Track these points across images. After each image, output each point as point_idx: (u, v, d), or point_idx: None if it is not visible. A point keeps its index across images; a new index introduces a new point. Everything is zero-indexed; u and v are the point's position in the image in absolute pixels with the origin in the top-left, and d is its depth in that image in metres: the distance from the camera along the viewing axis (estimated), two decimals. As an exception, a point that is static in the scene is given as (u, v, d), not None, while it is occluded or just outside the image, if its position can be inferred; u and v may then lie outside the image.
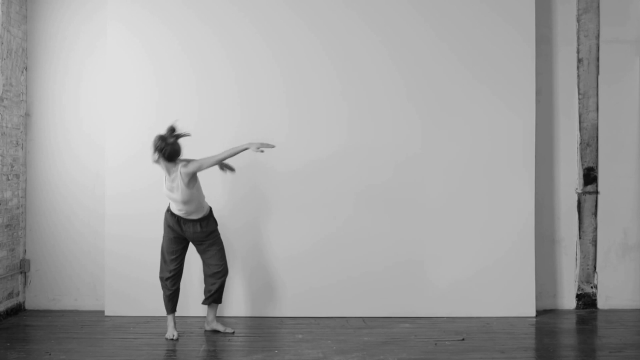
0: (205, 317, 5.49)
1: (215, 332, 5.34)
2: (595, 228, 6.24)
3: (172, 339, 5.12)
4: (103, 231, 6.00)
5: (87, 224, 6.09)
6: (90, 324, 5.59)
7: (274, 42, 5.98)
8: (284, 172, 5.91)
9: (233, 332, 5.34)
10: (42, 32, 6.13)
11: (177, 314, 5.76)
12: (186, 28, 5.96)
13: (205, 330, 5.37)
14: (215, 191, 5.75)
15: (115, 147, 5.93)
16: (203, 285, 5.43)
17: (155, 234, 5.88)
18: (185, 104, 5.96)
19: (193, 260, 5.78)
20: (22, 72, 6.05)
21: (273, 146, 5.07)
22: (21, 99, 6.03)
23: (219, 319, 5.49)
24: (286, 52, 5.98)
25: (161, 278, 5.25)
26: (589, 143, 6.24)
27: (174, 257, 5.23)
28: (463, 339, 5.14)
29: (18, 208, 5.97)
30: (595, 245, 6.24)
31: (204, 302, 5.37)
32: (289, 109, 5.97)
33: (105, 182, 5.96)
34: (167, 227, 5.22)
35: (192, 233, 5.19)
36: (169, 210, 5.22)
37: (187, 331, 5.35)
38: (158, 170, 5.90)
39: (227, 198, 5.88)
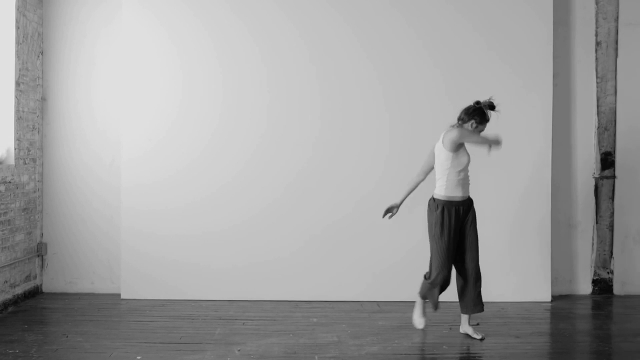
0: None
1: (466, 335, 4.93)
2: (612, 213, 6.19)
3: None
4: (119, 215, 6.03)
5: (104, 205, 6.11)
6: (107, 306, 5.64)
7: (303, 27, 5.94)
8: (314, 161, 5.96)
9: (482, 339, 4.79)
10: (57, 16, 6.12)
11: (192, 297, 5.82)
12: (210, 11, 5.93)
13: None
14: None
15: (132, 134, 5.93)
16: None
17: (170, 222, 5.91)
18: (209, 87, 5.94)
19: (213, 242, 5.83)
20: (38, 56, 6.06)
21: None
22: (37, 83, 6.05)
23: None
24: (315, 37, 5.95)
25: None
26: (607, 127, 6.17)
27: None
28: (478, 324, 5.12)
29: (35, 192, 6.01)
30: (612, 231, 6.19)
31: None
32: (321, 97, 5.96)
33: (121, 173, 5.96)
34: None
35: None
36: None
37: (202, 315, 5.39)
38: (174, 160, 5.92)
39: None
